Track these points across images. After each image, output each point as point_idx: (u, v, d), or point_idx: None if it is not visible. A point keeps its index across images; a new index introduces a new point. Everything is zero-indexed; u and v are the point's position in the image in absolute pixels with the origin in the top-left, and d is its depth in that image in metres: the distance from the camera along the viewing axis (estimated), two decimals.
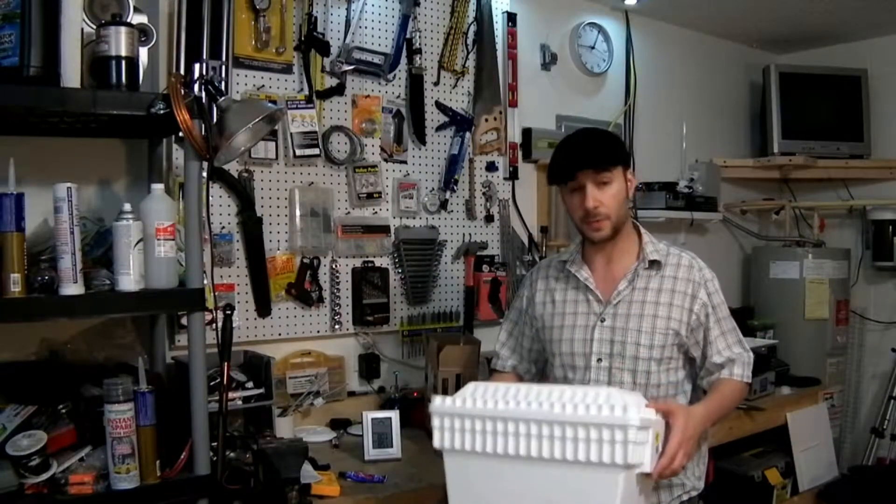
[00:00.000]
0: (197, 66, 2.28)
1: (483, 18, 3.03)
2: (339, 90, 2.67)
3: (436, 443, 1.57)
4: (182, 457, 1.83)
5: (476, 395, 1.56)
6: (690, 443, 1.61)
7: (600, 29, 3.52)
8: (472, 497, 1.56)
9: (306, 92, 2.59)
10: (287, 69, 2.56)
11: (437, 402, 1.58)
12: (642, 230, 1.96)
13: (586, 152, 1.85)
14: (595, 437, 1.43)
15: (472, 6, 3.00)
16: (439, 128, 2.94)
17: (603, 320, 1.88)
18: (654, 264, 1.89)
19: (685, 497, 1.89)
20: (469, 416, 1.54)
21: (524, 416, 1.49)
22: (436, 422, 1.57)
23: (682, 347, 1.87)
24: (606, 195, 1.82)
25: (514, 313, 2.11)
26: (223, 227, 2.43)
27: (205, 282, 1.87)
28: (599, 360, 1.87)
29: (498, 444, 1.51)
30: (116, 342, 2.06)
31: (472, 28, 3.01)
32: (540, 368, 2.07)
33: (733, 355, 1.87)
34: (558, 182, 1.89)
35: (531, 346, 2.06)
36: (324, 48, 2.62)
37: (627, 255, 1.91)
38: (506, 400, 1.52)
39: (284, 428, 2.32)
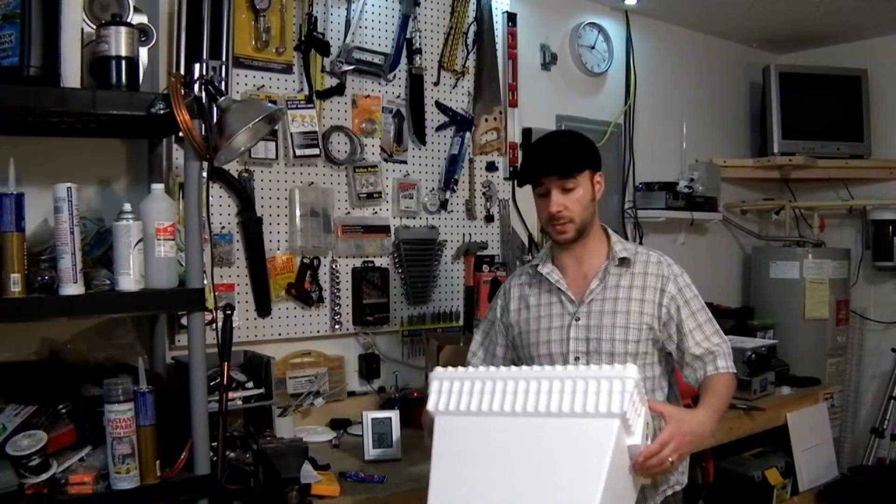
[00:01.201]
0: (197, 66, 2.28)
1: (483, 18, 3.03)
2: (339, 90, 2.67)
3: (430, 405, 1.60)
4: (182, 457, 1.83)
5: (478, 367, 1.62)
6: (685, 439, 1.63)
7: (600, 29, 3.53)
8: (458, 457, 1.55)
9: (306, 92, 2.59)
10: (287, 69, 2.56)
11: (439, 370, 1.62)
12: (610, 231, 1.99)
13: (550, 159, 1.89)
14: (594, 389, 1.46)
15: (472, 6, 3.00)
16: (439, 128, 2.94)
17: (578, 319, 1.90)
18: (624, 262, 1.92)
19: (670, 492, 1.91)
20: (469, 378, 1.57)
21: (525, 375, 1.53)
22: (434, 385, 1.59)
23: (656, 343, 1.90)
24: (570, 199, 1.86)
25: (486, 324, 2.12)
26: (223, 227, 2.43)
27: (205, 282, 1.87)
28: (577, 358, 1.89)
29: (495, 402, 1.53)
30: (116, 342, 2.06)
31: (472, 28, 3.01)
32: None
33: (712, 347, 1.88)
34: (522, 184, 1.95)
35: (504, 355, 2.06)
36: (324, 48, 2.62)
37: (597, 255, 1.94)
38: (508, 368, 1.58)
39: (284, 428, 2.32)
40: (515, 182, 2.03)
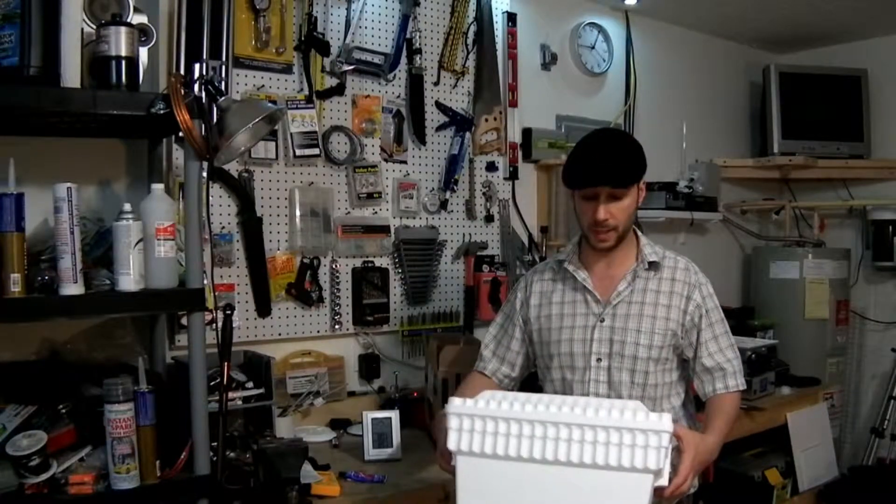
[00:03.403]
0: (197, 66, 2.28)
1: (483, 18, 3.03)
2: (339, 90, 2.67)
3: (451, 444, 1.54)
4: (182, 457, 1.83)
5: (496, 399, 1.54)
6: (699, 468, 1.67)
7: (600, 29, 3.53)
8: (484, 501, 1.52)
9: (306, 92, 2.59)
10: (287, 69, 2.56)
11: (457, 403, 1.55)
12: (639, 233, 1.98)
13: (607, 168, 1.82)
14: (629, 441, 1.43)
15: (472, 6, 3.00)
16: (439, 128, 2.94)
17: (602, 320, 1.89)
18: (653, 265, 1.91)
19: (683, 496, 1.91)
20: (492, 417, 1.51)
21: (553, 419, 1.47)
22: (453, 422, 1.54)
23: (677, 349, 1.90)
24: (618, 208, 1.83)
25: (501, 316, 2.10)
26: (223, 227, 2.43)
27: (205, 282, 1.87)
28: (599, 359, 1.88)
29: (522, 448, 1.48)
30: (116, 342, 2.06)
31: (472, 28, 3.01)
32: (521, 374, 2.06)
33: (723, 362, 1.89)
34: (573, 187, 1.88)
35: (519, 349, 2.04)
36: (324, 48, 2.62)
37: (627, 257, 1.93)
38: (532, 404, 1.50)
39: (284, 428, 2.32)
40: (562, 179, 1.93)
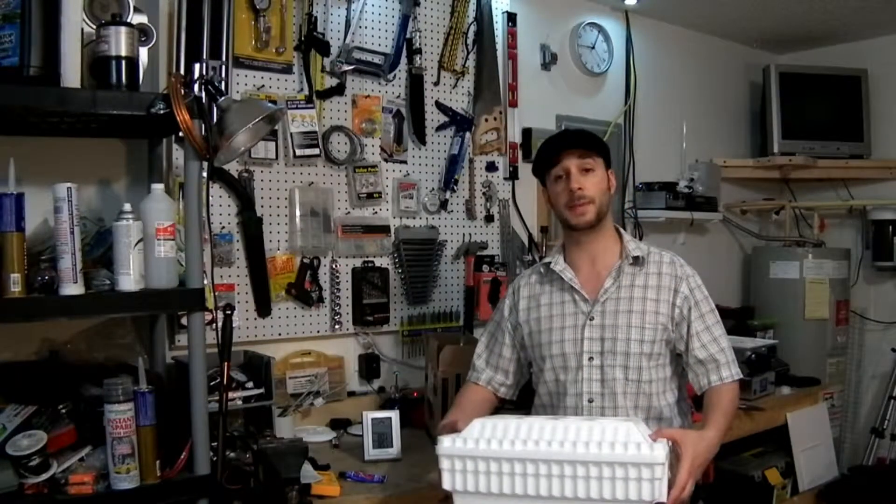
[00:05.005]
0: (197, 66, 2.28)
1: (483, 18, 3.03)
2: (339, 90, 2.67)
3: (446, 484, 1.55)
4: (182, 457, 1.83)
5: (486, 436, 1.54)
6: (699, 470, 1.64)
7: (600, 29, 3.53)
8: None
9: (306, 92, 2.59)
10: (287, 69, 2.56)
11: (447, 444, 1.55)
12: (622, 231, 2.00)
13: (570, 137, 1.97)
14: (621, 475, 1.43)
15: (472, 6, 3.00)
16: (439, 128, 2.94)
17: (592, 319, 1.89)
18: (637, 261, 1.92)
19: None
20: (483, 457, 1.52)
21: (544, 456, 1.48)
22: (445, 464, 1.55)
23: (669, 343, 1.90)
24: (589, 181, 1.88)
25: (491, 325, 2.11)
26: (223, 227, 2.43)
27: (205, 282, 1.87)
28: (591, 358, 1.88)
29: (516, 486, 1.49)
30: (116, 342, 2.06)
31: (472, 28, 3.01)
32: (517, 381, 2.07)
33: (716, 353, 1.88)
34: (544, 167, 1.95)
35: (511, 356, 2.04)
36: (324, 48, 2.62)
37: (610, 253, 1.94)
38: (522, 440, 1.51)
39: (284, 428, 2.32)
40: (532, 171, 2.03)
